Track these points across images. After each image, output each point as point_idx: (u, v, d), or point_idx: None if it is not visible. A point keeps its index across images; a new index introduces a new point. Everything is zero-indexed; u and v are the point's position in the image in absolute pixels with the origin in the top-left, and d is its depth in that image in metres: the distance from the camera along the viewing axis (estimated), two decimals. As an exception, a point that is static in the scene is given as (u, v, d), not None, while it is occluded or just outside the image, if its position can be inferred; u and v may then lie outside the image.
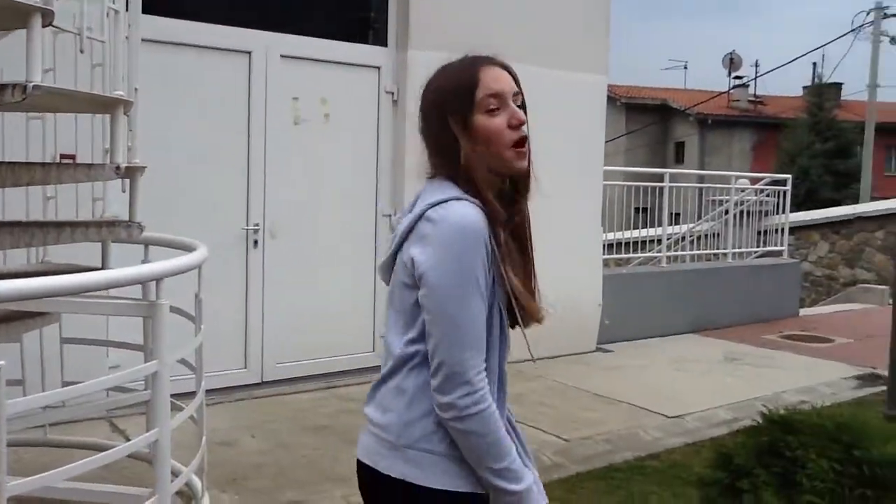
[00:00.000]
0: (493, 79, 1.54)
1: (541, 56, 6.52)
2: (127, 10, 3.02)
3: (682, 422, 5.11)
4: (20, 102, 2.34)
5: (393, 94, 5.99)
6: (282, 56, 5.50)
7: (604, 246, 7.68)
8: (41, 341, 3.42)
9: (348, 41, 5.90)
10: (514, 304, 1.53)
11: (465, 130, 1.53)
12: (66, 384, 3.12)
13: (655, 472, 4.25)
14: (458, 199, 1.50)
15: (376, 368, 5.73)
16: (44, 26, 2.45)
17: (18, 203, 3.44)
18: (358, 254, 5.90)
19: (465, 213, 1.48)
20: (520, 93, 1.56)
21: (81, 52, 2.79)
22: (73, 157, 3.74)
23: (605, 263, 7.71)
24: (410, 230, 1.53)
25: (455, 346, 1.46)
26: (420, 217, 1.51)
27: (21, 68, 2.38)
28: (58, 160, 3.59)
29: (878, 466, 2.86)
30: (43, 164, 2.77)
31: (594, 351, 7.02)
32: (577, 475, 4.16)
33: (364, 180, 5.95)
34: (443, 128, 1.55)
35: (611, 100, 10.93)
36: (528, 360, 7.12)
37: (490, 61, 1.57)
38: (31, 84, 2.28)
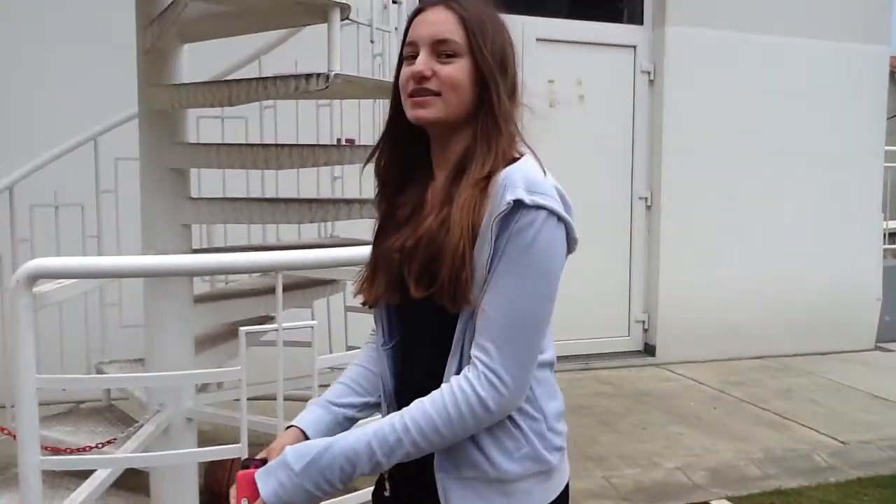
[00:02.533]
0: (416, 24, 1.35)
1: (812, 26, 6.03)
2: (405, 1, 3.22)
3: (981, 433, 4.49)
4: (323, 90, 2.57)
5: (649, 73, 5.82)
6: (537, 39, 5.55)
7: (884, 235, 6.94)
8: (329, 308, 3.76)
9: (603, 21, 5.82)
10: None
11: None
12: (349, 349, 3.40)
13: (953, 486, 3.78)
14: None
15: (632, 353, 5.66)
16: (342, 20, 2.67)
17: (310, 183, 3.79)
18: (614, 236, 5.83)
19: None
20: (447, 39, 1.31)
21: (372, 41, 3.00)
22: (352, 140, 4.05)
23: (886, 254, 6.96)
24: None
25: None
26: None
27: (310, 61, 2.62)
28: (343, 143, 3.90)
29: None
30: (338, 146, 3.03)
31: (872, 349, 6.38)
32: (857, 480, 3.80)
33: (620, 161, 5.85)
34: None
35: (892, 74, 9.80)
36: (796, 355, 6.59)
37: (433, 4, 1.35)
38: (333, 73, 2.49)
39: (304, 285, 3.19)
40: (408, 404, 1.26)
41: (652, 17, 5.84)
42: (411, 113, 1.32)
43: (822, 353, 5.98)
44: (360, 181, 3.86)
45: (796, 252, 6.07)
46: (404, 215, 1.37)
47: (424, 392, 1.26)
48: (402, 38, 1.39)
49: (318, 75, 2.51)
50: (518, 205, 1.22)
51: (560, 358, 5.35)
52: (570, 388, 5.03)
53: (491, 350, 1.23)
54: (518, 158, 1.32)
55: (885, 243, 6.88)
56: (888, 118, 6.87)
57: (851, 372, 5.62)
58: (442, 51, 1.31)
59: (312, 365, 2.09)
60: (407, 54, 1.34)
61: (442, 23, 1.32)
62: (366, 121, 3.79)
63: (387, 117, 1.40)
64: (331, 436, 1.26)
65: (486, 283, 1.24)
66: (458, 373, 1.27)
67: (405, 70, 1.33)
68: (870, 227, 6.49)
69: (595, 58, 5.74)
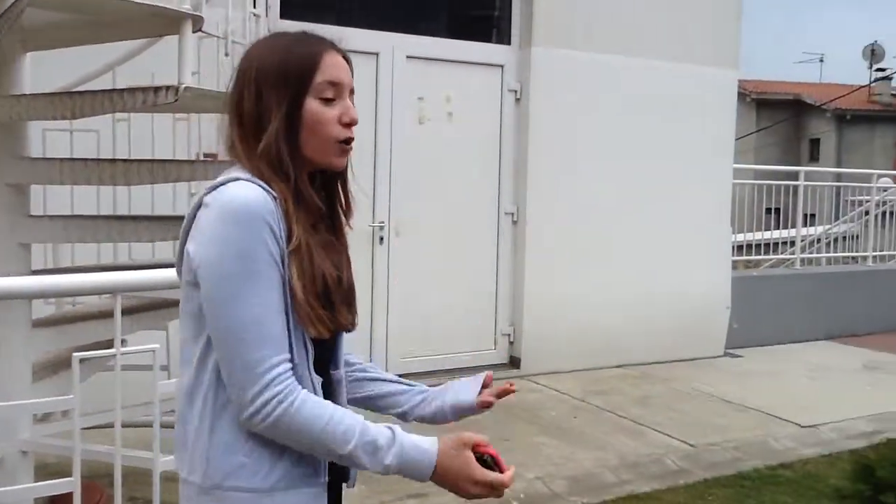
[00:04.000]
0: (334, 66, 1.39)
1: (669, 50, 6.37)
2: (267, 15, 3.17)
3: (816, 432, 4.86)
4: (172, 103, 2.50)
5: (516, 91, 5.99)
6: (407, 57, 5.61)
7: (733, 247, 7.40)
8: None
9: (472, 40, 5.95)
10: (296, 307, 1.31)
11: (286, 111, 1.35)
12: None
13: (788, 482, 4.07)
14: (238, 179, 1.31)
15: (499, 366, 5.74)
16: (194, 32, 2.61)
17: (166, 199, 3.67)
18: (481, 252, 5.94)
19: (241, 192, 1.28)
20: (353, 91, 1.42)
21: (226, 55, 2.95)
22: (214, 155, 3.95)
23: (735, 265, 7.43)
24: (191, 221, 1.34)
25: (242, 346, 1.26)
26: (199, 205, 1.33)
27: (168, 73, 2.54)
28: (201, 159, 3.80)
29: None
30: (191, 162, 2.95)
31: (722, 356, 6.78)
32: (704, 481, 4.04)
33: (487, 178, 5.98)
34: (258, 100, 1.36)
35: (741, 95, 10.52)
36: (654, 363, 6.89)
37: (334, 47, 1.42)
38: (183, 86, 2.43)
39: (158, 306, 3.08)
40: None
41: (519, 38, 6.02)
42: (338, 160, 1.40)
43: (677, 361, 6.29)
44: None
45: (653, 265, 6.38)
46: (337, 250, 1.46)
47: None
48: (297, 70, 1.36)
49: (168, 88, 2.44)
50: None
51: (427, 373, 5.40)
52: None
53: None
54: None
55: (733, 255, 7.35)
56: (736, 138, 7.35)
57: (703, 378, 5.96)
58: (351, 101, 1.41)
59: (153, 390, 2.02)
60: (327, 95, 1.37)
61: (349, 72, 1.42)
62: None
63: (290, 152, 1.35)
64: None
65: None
66: None
67: (328, 111, 1.37)
68: (720, 240, 6.90)
69: (464, 76, 5.85)
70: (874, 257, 8.75)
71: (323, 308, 1.34)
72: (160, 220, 2.85)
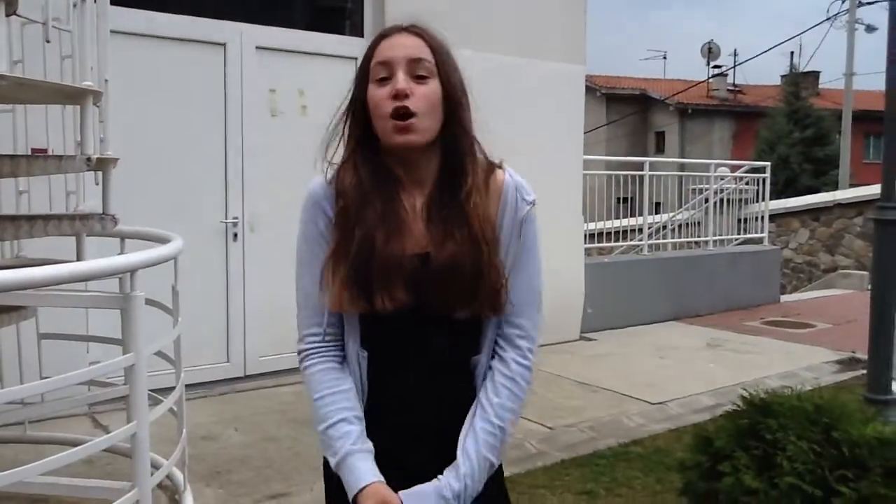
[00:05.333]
0: (389, 46, 1.44)
1: (518, 46, 6.52)
2: (95, 0, 2.97)
3: (665, 408, 5.13)
4: (-12, 93, 2.30)
5: (371, 85, 5.95)
6: (257, 47, 5.45)
7: (586, 236, 7.69)
8: (18, 338, 3.38)
9: (324, 32, 5.86)
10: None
11: (353, 97, 1.48)
12: (43, 378, 3.08)
13: (639, 458, 4.26)
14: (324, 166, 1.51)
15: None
16: (7, 15, 2.42)
17: (-10, 198, 3.39)
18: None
19: (310, 183, 1.51)
20: (422, 59, 1.43)
21: (48, 41, 2.75)
22: (44, 151, 3.69)
23: (588, 253, 7.72)
24: None
25: (297, 306, 1.52)
26: None
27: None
28: (28, 154, 3.54)
29: (858, 447, 2.87)
30: (12, 157, 2.73)
31: (578, 339, 7.04)
32: (561, 462, 4.16)
33: (344, 172, 5.91)
34: (352, 93, 1.49)
35: (590, 90, 10.93)
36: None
37: (398, 29, 1.47)
38: (-1, 74, 2.25)
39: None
40: (383, 409, 1.46)
41: (372, 30, 5.98)
42: (397, 140, 1.39)
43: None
44: (50, 195, 3.54)
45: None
46: (399, 224, 1.41)
47: (409, 393, 1.45)
48: (363, 62, 1.45)
49: (-19, 78, 2.24)
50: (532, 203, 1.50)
51: (283, 372, 5.24)
52: (297, 401, 4.99)
53: (525, 325, 1.52)
54: (490, 161, 1.53)
55: (586, 243, 7.64)
56: (587, 131, 7.63)
57: (559, 362, 6.16)
58: (417, 71, 1.41)
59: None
60: (380, 76, 1.40)
61: (415, 45, 1.43)
62: (56, 131, 3.46)
63: (348, 137, 1.48)
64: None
65: (511, 272, 1.47)
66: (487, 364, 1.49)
67: (380, 90, 1.40)
68: (573, 229, 7.15)
69: (316, 68, 5.75)
70: (714, 242, 9.35)
71: (355, 285, 1.38)
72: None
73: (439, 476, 1.42)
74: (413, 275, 1.39)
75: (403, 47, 1.43)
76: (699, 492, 3.18)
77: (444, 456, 1.44)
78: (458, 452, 1.44)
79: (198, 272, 4.88)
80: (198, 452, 3.93)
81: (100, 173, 2.97)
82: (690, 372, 6.06)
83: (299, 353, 1.51)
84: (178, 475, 3.06)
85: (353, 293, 1.39)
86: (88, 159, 2.74)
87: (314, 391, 1.47)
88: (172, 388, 2.86)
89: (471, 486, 1.42)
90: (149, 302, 2.58)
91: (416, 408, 1.47)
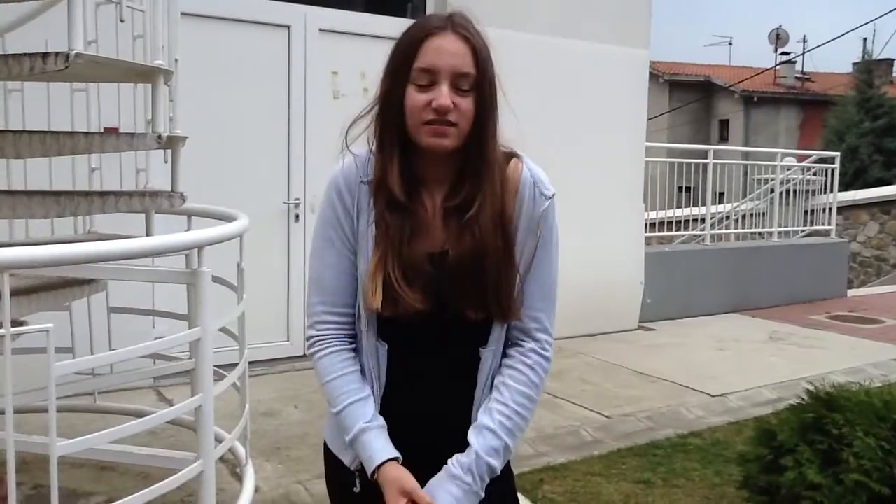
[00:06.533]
0: (434, 51, 1.38)
1: (581, 29, 6.43)
2: (168, -19, 3.03)
3: (725, 400, 5.04)
4: (63, 71, 2.36)
5: (433, 68, 5.94)
6: (320, 30, 5.48)
7: (647, 224, 7.57)
8: (89, 310, 3.49)
9: (385, 14, 5.86)
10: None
11: (385, 90, 1.46)
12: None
13: (697, 450, 4.20)
14: (347, 153, 1.51)
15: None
16: (87, -5, 2.47)
17: (65, 175, 3.49)
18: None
19: (335, 165, 1.52)
20: (467, 74, 1.39)
21: (122, 21, 2.81)
22: (116, 129, 3.78)
23: (648, 241, 7.61)
24: None
25: (309, 289, 1.54)
26: None
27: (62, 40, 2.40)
28: (100, 132, 3.63)
29: (930, 445, 2.78)
30: (86, 133, 2.80)
31: (636, 329, 6.95)
32: (617, 451, 4.13)
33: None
34: (383, 81, 1.46)
35: (653, 76, 10.74)
36: (569, 337, 6.98)
37: (444, 28, 1.40)
38: (74, 52, 2.30)
39: (56, 286, 2.93)
40: (395, 402, 1.48)
41: (435, 12, 5.96)
42: (429, 140, 1.40)
43: (592, 335, 6.42)
44: (121, 173, 3.63)
45: (568, 241, 6.41)
46: (419, 224, 1.44)
47: (424, 385, 1.48)
48: (401, 56, 1.41)
49: (57, 55, 2.31)
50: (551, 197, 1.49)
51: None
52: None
53: (542, 318, 1.53)
54: (510, 154, 1.50)
55: (646, 232, 7.52)
56: (649, 118, 7.50)
57: (617, 351, 6.10)
58: (461, 85, 1.38)
59: (48, 371, 1.91)
60: (423, 81, 1.38)
61: (461, 56, 1.38)
62: (127, 110, 3.54)
63: (380, 133, 1.47)
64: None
65: (528, 265, 1.48)
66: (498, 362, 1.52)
67: (420, 97, 1.38)
68: (633, 218, 7.05)
69: (378, 50, 5.71)
70: (779, 233, 9.11)
71: (388, 288, 1.40)
72: (56, 196, 2.70)
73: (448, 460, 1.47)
74: (431, 273, 1.43)
75: (451, 56, 1.38)
76: (760, 485, 3.12)
77: (453, 445, 1.48)
78: (470, 430, 1.48)
79: (260, 252, 4.96)
80: (258, 428, 4.01)
81: (169, 151, 3.03)
82: (751, 365, 5.93)
83: (309, 338, 1.53)
84: (241, 449, 3.12)
85: (385, 296, 1.42)
86: (159, 137, 2.80)
87: (325, 374, 1.50)
88: (233, 365, 2.91)
89: (483, 462, 1.44)
90: (215, 279, 2.63)
91: (428, 400, 1.51)
